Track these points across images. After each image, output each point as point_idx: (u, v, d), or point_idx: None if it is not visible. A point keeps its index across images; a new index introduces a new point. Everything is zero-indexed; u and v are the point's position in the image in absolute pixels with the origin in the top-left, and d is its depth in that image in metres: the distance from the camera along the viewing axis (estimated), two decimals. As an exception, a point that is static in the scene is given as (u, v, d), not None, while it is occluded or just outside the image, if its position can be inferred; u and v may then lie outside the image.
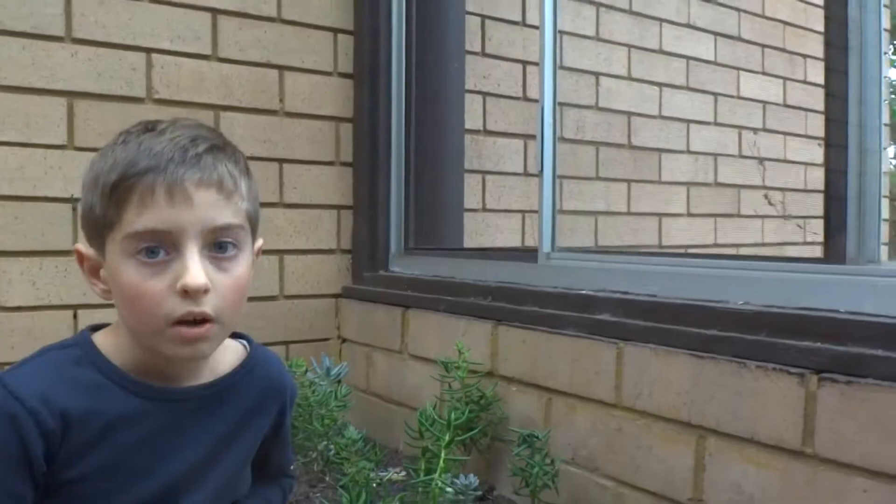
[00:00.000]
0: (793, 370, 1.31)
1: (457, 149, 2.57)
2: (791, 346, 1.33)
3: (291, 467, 1.39)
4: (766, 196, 3.89)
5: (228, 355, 1.14)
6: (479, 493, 1.66)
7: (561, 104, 3.04)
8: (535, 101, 2.94)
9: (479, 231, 2.80)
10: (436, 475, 1.43)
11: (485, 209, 2.84)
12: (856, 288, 1.35)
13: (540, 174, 1.98)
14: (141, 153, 0.94)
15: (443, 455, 1.44)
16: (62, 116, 1.99)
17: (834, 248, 1.51)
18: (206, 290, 0.94)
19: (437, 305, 2.08)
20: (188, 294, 0.93)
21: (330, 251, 2.43)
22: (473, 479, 1.62)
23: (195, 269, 0.93)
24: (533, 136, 2.94)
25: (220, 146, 1.00)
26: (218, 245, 0.97)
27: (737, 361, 1.39)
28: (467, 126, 2.68)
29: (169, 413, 1.04)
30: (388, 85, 2.42)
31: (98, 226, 0.97)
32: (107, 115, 2.04)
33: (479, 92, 2.81)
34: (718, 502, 1.41)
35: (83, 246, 1.02)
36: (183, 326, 0.95)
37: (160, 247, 0.94)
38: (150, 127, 0.99)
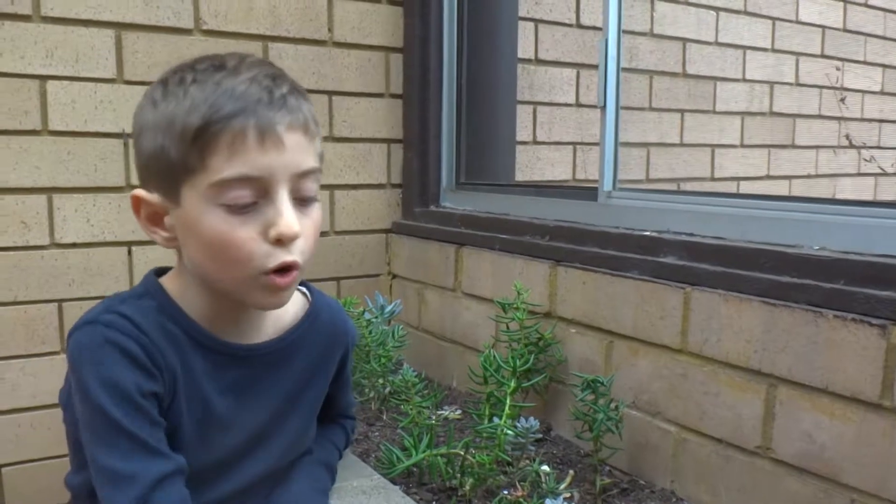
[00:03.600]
0: (874, 321, 1.26)
1: (510, 79, 2.49)
2: (871, 296, 1.28)
3: (353, 409, 1.40)
4: (847, 136, 3.75)
5: (291, 306, 1.12)
6: (539, 434, 1.65)
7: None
8: (589, 28, 2.84)
9: (529, 164, 2.74)
10: (501, 421, 1.42)
11: (535, 142, 2.77)
12: (942, 235, 1.29)
13: (602, 109, 1.90)
14: (223, 95, 0.90)
15: (508, 401, 1.42)
16: (110, 49, 1.95)
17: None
18: (297, 237, 0.93)
19: (491, 244, 2.04)
20: (281, 242, 0.92)
21: (380, 186, 2.39)
22: (534, 422, 1.61)
23: (290, 216, 0.92)
24: (586, 66, 2.85)
25: (297, 86, 0.97)
26: (300, 189, 0.95)
27: (812, 310, 1.34)
28: (519, 55, 2.59)
29: (245, 368, 1.04)
30: (439, 13, 2.33)
31: (173, 171, 0.93)
32: (155, 47, 2.00)
33: (530, 19, 2.71)
34: (788, 451, 1.39)
35: (143, 191, 0.98)
36: (274, 275, 0.93)
37: (249, 193, 0.91)
38: (219, 64, 0.95)
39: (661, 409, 1.60)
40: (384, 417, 1.87)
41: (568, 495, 1.56)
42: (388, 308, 2.01)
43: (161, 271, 1.08)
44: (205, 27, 2.06)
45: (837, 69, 3.74)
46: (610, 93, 1.88)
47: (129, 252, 2.01)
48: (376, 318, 1.96)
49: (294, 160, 0.92)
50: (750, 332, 1.43)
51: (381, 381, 1.88)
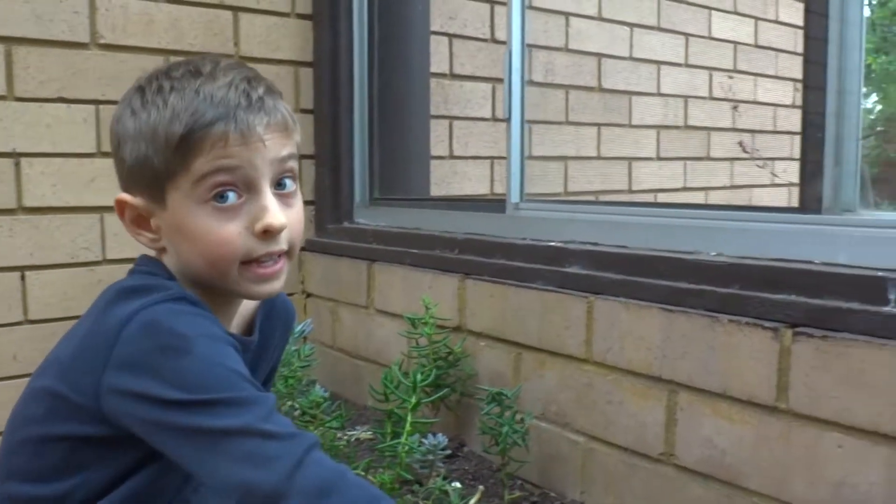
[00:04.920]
0: (767, 324, 1.27)
1: (422, 93, 2.48)
2: (765, 300, 1.29)
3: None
4: (740, 143, 3.85)
5: None
6: (448, 451, 1.62)
7: (530, 46, 2.96)
8: (503, 42, 2.85)
9: (446, 179, 2.72)
10: (402, 439, 1.39)
11: (452, 156, 2.76)
12: (831, 238, 1.32)
13: (507, 121, 1.90)
14: (203, 101, 0.93)
15: (409, 418, 1.39)
16: (0, 64, 1.87)
17: (809, 196, 1.47)
18: (283, 229, 0.95)
19: (402, 258, 2.02)
20: (267, 234, 0.94)
21: (292, 203, 2.35)
22: (442, 439, 1.59)
23: (276, 209, 0.94)
24: (502, 80, 2.86)
25: (271, 86, 1.00)
26: (280, 183, 0.97)
27: (709, 315, 1.35)
28: (433, 70, 2.58)
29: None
30: (349, 26, 2.31)
31: (157, 177, 0.95)
32: (48, 61, 1.92)
33: (444, 33, 2.71)
34: (690, 457, 1.39)
35: (127, 196, 0.99)
36: (262, 266, 0.97)
37: (234, 189, 0.93)
38: (195, 70, 0.97)
39: (569, 420, 1.59)
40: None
41: (476, 511, 1.54)
42: (299, 328, 1.96)
43: (151, 270, 1.06)
44: (102, 41, 2.00)
45: (730, 77, 3.83)
46: (515, 105, 1.88)
47: (23, 277, 1.92)
48: (286, 337, 1.91)
49: (274, 155, 0.95)
50: (650, 339, 1.43)
51: (289, 402, 1.83)
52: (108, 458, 0.98)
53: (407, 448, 1.39)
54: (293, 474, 0.84)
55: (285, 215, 0.96)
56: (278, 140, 0.96)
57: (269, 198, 0.94)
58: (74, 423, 0.96)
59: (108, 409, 0.92)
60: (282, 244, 0.97)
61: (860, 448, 1.16)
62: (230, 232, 0.94)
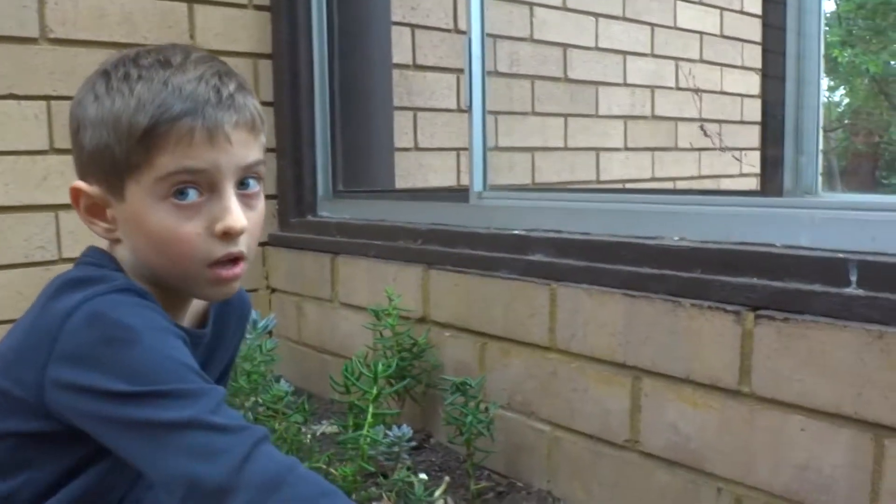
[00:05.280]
0: (728, 308, 1.26)
1: (384, 85, 2.45)
2: (726, 283, 1.28)
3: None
4: (701, 127, 3.86)
5: None
6: (414, 443, 1.60)
7: (493, 36, 2.93)
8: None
9: (411, 171, 2.70)
10: (363, 431, 1.36)
11: (417, 148, 2.74)
12: (792, 221, 1.31)
13: (469, 110, 1.88)
14: (171, 94, 0.90)
15: (371, 409, 1.37)
16: (-55, 59, 1.82)
17: (770, 181, 1.46)
18: (244, 231, 0.93)
19: (366, 251, 1.99)
20: (228, 236, 0.92)
21: (254, 197, 2.31)
22: (407, 430, 1.56)
23: (237, 211, 0.92)
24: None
25: (242, 82, 0.97)
26: (245, 182, 0.94)
27: (671, 300, 1.34)
28: (395, 60, 2.55)
29: (196, 356, 1.00)
30: (307, 17, 2.27)
31: (117, 168, 0.92)
32: (-4, 57, 1.87)
33: (407, 24, 2.68)
34: (655, 443, 1.38)
35: (83, 184, 0.96)
36: (220, 268, 0.94)
37: (195, 187, 0.91)
38: (164, 60, 0.93)
39: (534, 409, 1.58)
40: (256, 436, 1.78)
41: (442, 502, 1.52)
42: (262, 323, 1.93)
43: (100, 261, 1.02)
44: (52, 35, 1.94)
45: (690, 73, 3.84)
46: (476, 94, 1.86)
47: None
48: (250, 334, 1.88)
49: (240, 154, 0.92)
50: (613, 325, 1.42)
51: (252, 398, 1.80)
52: (53, 455, 0.95)
53: (369, 440, 1.36)
54: (241, 468, 0.81)
55: (247, 217, 0.93)
56: (245, 140, 0.93)
57: (231, 199, 0.92)
58: (19, 419, 0.93)
59: (52, 404, 0.89)
60: (241, 246, 0.94)
61: (823, 430, 1.16)
62: (189, 232, 0.91)
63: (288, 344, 2.25)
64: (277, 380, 1.85)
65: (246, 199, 0.94)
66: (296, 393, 1.79)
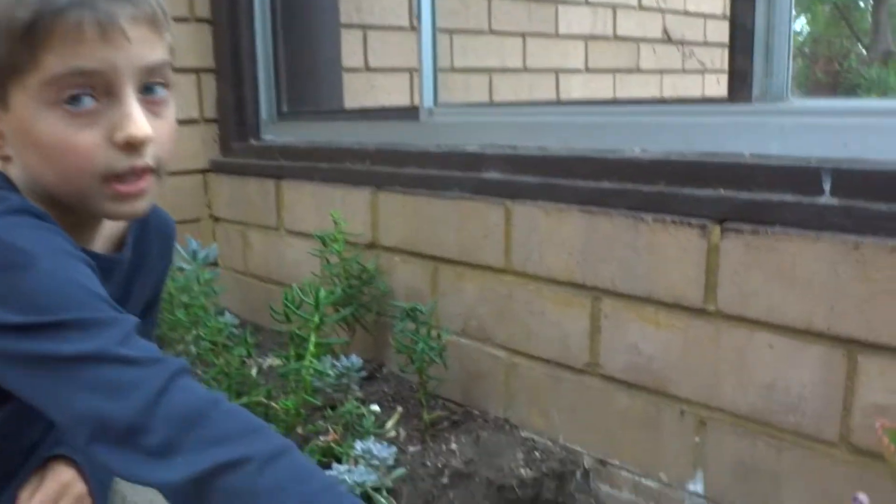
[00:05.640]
0: (693, 221, 1.18)
1: (330, 0, 2.29)
2: (691, 196, 1.20)
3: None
4: (665, 32, 3.74)
5: None
6: (364, 373, 1.52)
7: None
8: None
9: (363, 92, 2.56)
10: (305, 361, 1.27)
11: (368, 68, 2.60)
12: (762, 129, 1.23)
13: (419, 23, 1.75)
14: None
15: (312, 339, 1.28)
16: None
17: (739, 87, 1.36)
18: (149, 141, 0.82)
19: (312, 174, 1.87)
20: (130, 146, 0.82)
21: (192, 121, 2.17)
22: (356, 360, 1.48)
23: (139, 117, 0.82)
24: (417, -14, 2.69)
25: None
26: (150, 88, 0.85)
27: (632, 215, 1.25)
28: (342, -26, 2.40)
29: (111, 284, 0.90)
30: (244, -76, 2.11)
31: None
32: None
33: (353, -63, 2.52)
34: (616, 366, 1.31)
35: None
36: (120, 183, 0.84)
37: (90, 93, 0.80)
38: None
39: (490, 335, 1.50)
40: (199, 372, 1.69)
41: (393, 434, 1.44)
42: (202, 253, 1.81)
43: None
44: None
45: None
46: (425, 7, 1.73)
47: None
48: (187, 263, 1.76)
49: (139, 54, 0.82)
50: (571, 243, 1.33)
51: (193, 332, 1.70)
52: None
53: (312, 371, 1.27)
54: (154, 404, 0.71)
55: (152, 126, 0.83)
56: (145, 37, 0.82)
57: (132, 104, 0.82)
58: None
59: None
60: (146, 159, 0.84)
61: (793, 347, 1.09)
62: (86, 141, 0.81)
63: (234, 275, 2.14)
64: (221, 312, 1.75)
65: (151, 107, 0.84)
66: (241, 325, 1.70)
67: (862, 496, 0.68)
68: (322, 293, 1.30)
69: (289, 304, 1.33)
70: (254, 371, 1.67)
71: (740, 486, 1.18)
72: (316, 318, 1.28)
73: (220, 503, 0.69)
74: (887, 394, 1.00)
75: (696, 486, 1.24)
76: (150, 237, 1.04)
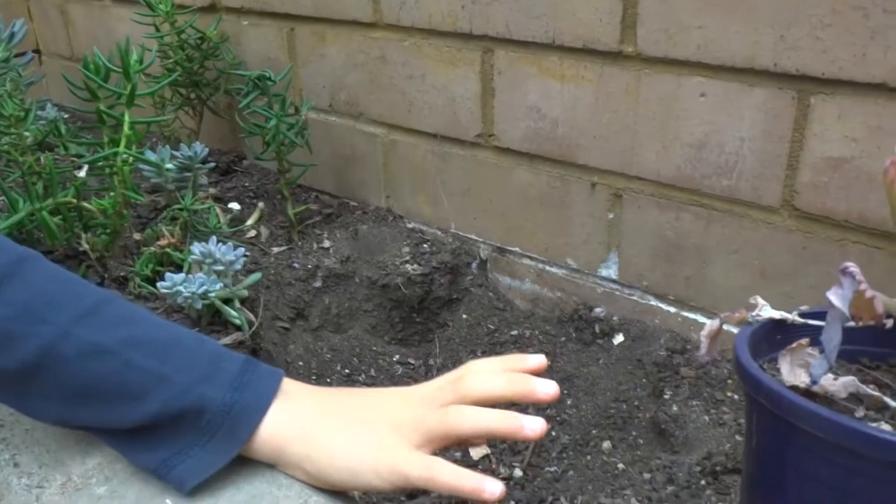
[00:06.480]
0: (608, -63, 0.91)
1: None
2: None
3: None
4: None
5: None
6: (214, 164, 1.25)
7: None
8: None
9: None
10: (119, 148, 0.99)
11: None
12: None
13: None
14: None
15: (127, 118, 0.99)
16: None
17: None
18: None
19: (133, -79, 1.48)
20: None
21: None
22: (200, 149, 1.19)
23: None
24: None
25: None
26: None
27: (532, -64, 0.97)
28: None
29: None
30: None
31: None
32: None
33: None
34: (514, 135, 1.07)
35: None
36: None
37: None
38: None
39: (362, 109, 1.23)
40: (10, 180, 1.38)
41: (254, 233, 1.20)
42: (6, 33, 1.44)
43: None
44: None
45: None
46: None
47: None
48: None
49: None
50: (454, -20, 1.04)
51: (14, 131, 1.36)
52: None
53: (130, 159, 1.00)
54: None
55: None
56: None
57: None
58: None
59: None
60: None
61: (730, 93, 0.86)
62: None
63: (60, 61, 1.77)
64: (42, 106, 1.42)
65: None
66: (72, 120, 1.38)
67: (851, 265, 0.48)
68: (131, 60, 0.99)
69: (90, 76, 1.02)
70: (82, 172, 1.37)
71: (661, 266, 0.99)
72: (127, 90, 0.98)
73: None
74: (846, 143, 0.80)
75: (610, 271, 1.05)
76: None
